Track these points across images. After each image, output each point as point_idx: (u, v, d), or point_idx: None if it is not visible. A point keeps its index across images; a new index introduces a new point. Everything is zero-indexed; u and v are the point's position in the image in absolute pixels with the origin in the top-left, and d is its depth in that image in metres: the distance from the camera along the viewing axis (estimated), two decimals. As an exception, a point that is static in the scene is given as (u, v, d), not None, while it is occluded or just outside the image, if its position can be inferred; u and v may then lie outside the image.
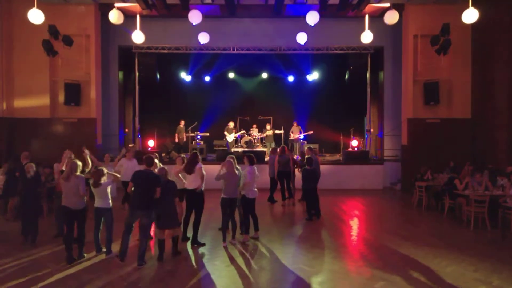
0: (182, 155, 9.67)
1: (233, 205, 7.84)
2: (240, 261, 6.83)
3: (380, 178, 15.04)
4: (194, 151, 8.09)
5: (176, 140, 16.71)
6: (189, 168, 7.70)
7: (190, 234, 7.86)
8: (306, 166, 10.21)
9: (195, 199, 7.66)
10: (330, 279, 6.01)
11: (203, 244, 7.70)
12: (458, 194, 9.92)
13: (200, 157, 8.00)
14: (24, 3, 13.15)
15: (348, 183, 14.77)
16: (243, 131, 17.49)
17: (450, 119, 14.55)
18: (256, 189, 8.20)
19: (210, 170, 13.77)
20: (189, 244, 7.69)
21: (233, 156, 8.25)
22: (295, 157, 13.83)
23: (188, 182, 7.78)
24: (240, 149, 16.62)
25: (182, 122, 16.89)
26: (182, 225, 7.86)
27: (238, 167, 8.31)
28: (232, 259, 6.91)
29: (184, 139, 16.76)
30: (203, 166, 7.90)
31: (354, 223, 9.75)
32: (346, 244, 7.97)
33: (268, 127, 17.28)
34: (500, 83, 12.96)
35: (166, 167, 7.40)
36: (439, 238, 8.34)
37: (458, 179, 10.16)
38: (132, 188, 6.67)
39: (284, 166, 11.58)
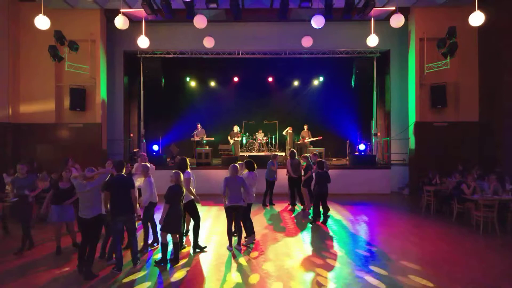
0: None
1: (238, 211, 7.74)
2: (246, 267, 6.76)
3: (387, 182, 14.91)
4: (183, 157, 7.91)
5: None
6: None
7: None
8: (318, 170, 10.19)
9: (187, 209, 7.57)
10: (337, 285, 5.92)
11: (204, 248, 7.68)
12: (466, 199, 9.80)
13: (189, 164, 7.82)
14: (31, 9, 13.30)
15: (355, 187, 14.64)
16: (239, 134, 17.33)
17: (458, 122, 14.43)
18: (254, 195, 8.24)
19: (214, 174, 13.82)
20: (191, 248, 7.65)
21: (245, 162, 8.24)
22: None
23: None
24: (246, 153, 16.56)
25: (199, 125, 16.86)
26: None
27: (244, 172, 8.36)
28: (237, 265, 6.85)
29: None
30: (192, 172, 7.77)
31: (362, 228, 9.63)
32: (354, 249, 7.86)
33: (290, 130, 17.24)
34: (507, 85, 12.85)
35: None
36: (447, 243, 8.23)
37: (466, 184, 10.04)
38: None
39: (295, 170, 11.54)
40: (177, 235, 6.93)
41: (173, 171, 7.02)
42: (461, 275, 6.31)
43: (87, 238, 6.35)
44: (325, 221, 10.01)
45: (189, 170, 7.77)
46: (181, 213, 6.87)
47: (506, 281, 6.10)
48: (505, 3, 12.82)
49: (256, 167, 8.53)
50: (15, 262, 7.07)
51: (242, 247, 7.79)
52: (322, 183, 10.00)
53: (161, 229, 6.81)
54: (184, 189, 7.02)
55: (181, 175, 6.98)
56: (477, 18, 9.84)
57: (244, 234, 8.17)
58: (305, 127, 17.14)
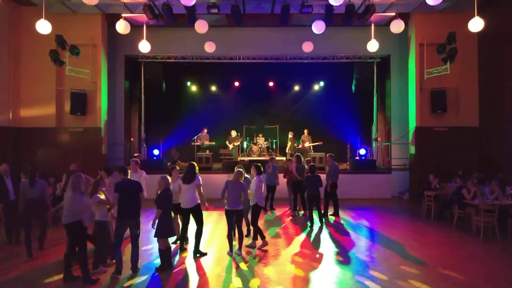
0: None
1: (238, 215, 7.74)
2: (246, 271, 6.75)
3: (388, 187, 14.92)
4: (192, 162, 7.92)
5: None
6: (189, 179, 7.48)
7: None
8: (308, 173, 10.33)
9: (194, 213, 7.57)
10: (338, 291, 5.93)
11: (205, 254, 7.66)
12: (467, 204, 9.79)
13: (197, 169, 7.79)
14: (32, 13, 13.32)
15: (356, 192, 14.63)
16: (239, 138, 17.32)
17: (458, 127, 14.44)
18: (263, 197, 8.33)
19: (215, 179, 13.79)
20: (191, 253, 7.64)
21: (241, 166, 8.23)
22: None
23: (185, 197, 7.50)
24: (246, 158, 16.56)
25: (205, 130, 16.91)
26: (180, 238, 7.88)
27: (247, 176, 8.35)
28: (238, 269, 6.83)
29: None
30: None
31: (362, 233, 9.62)
32: (354, 254, 7.84)
33: (290, 135, 17.24)
34: (507, 90, 12.87)
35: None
36: (448, 248, 8.22)
37: (466, 188, 10.04)
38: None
39: (300, 175, 11.50)
40: (168, 240, 6.88)
41: (160, 175, 7.03)
42: (462, 280, 6.29)
43: (70, 243, 6.30)
44: (321, 223, 10.16)
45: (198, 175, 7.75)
46: (171, 217, 6.87)
47: (507, 286, 6.09)
48: (504, 8, 12.87)
49: (263, 170, 8.57)
50: (17, 268, 7.05)
51: (242, 252, 7.78)
52: (312, 186, 10.12)
53: (155, 235, 6.78)
54: (172, 192, 7.06)
55: (169, 179, 6.97)
56: (476, 24, 9.88)
57: (245, 239, 8.17)
58: (306, 131, 17.15)
